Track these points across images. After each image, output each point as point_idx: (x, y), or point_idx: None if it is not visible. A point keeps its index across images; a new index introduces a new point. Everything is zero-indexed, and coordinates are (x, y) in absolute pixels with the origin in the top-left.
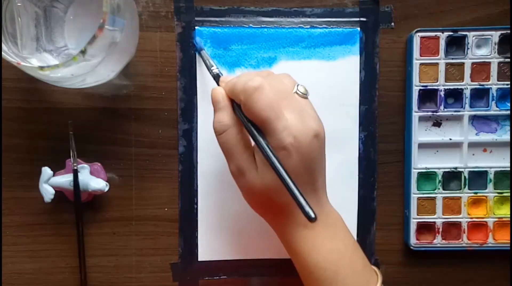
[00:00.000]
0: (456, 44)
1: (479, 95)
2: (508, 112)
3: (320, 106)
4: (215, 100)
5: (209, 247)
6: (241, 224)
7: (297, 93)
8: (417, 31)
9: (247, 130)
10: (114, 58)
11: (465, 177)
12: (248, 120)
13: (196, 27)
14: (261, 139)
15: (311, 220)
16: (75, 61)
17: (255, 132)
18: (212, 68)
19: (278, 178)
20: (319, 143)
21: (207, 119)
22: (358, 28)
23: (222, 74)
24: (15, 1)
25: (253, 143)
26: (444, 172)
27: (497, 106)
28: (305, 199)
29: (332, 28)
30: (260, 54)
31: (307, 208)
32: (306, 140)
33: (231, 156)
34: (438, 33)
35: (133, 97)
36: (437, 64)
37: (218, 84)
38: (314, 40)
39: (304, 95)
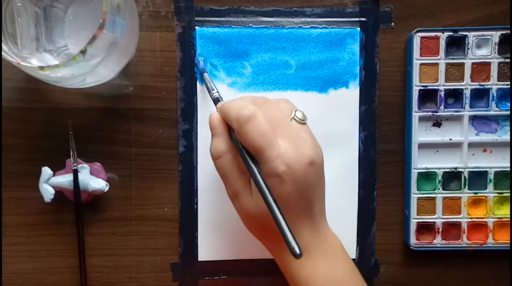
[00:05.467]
0: (456, 44)
1: (479, 95)
2: (508, 112)
3: (320, 106)
4: (212, 126)
5: (209, 247)
6: (241, 224)
7: (294, 119)
8: (417, 31)
9: (240, 155)
10: (114, 58)
11: (465, 177)
12: (242, 147)
13: (196, 27)
14: (252, 166)
15: (296, 256)
16: (75, 61)
17: (247, 159)
18: (212, 92)
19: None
20: (314, 170)
21: (207, 119)
22: (358, 28)
23: (222, 99)
24: (15, 1)
25: None
26: (444, 172)
27: (497, 106)
28: (291, 233)
29: (332, 28)
30: (260, 54)
31: (293, 244)
32: (300, 168)
33: (227, 180)
34: (438, 33)
35: (133, 97)
36: (437, 64)
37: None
38: (314, 40)
39: (302, 121)
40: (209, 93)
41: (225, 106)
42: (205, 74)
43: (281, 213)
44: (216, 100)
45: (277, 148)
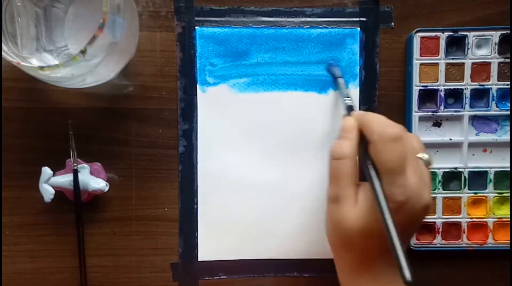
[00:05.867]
0: (456, 44)
1: (479, 95)
2: (508, 112)
3: (320, 106)
4: (345, 128)
5: (209, 247)
6: (241, 224)
7: (421, 158)
8: (417, 31)
9: (363, 167)
10: (114, 58)
11: (465, 177)
12: (370, 160)
13: (196, 27)
14: (377, 182)
15: (407, 283)
16: (75, 61)
17: (373, 173)
18: (346, 99)
19: (375, 222)
20: (424, 214)
21: (207, 119)
22: (358, 28)
23: (354, 108)
24: (15, 1)
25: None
26: (444, 172)
27: (497, 106)
28: (406, 258)
29: (332, 28)
30: (260, 54)
31: (405, 270)
32: (415, 207)
33: (337, 182)
34: (438, 33)
35: (133, 97)
36: (437, 64)
37: (349, 114)
38: (314, 40)
39: (428, 164)
40: (342, 100)
41: (369, 117)
42: (341, 80)
43: (398, 236)
44: (349, 108)
45: (404, 178)
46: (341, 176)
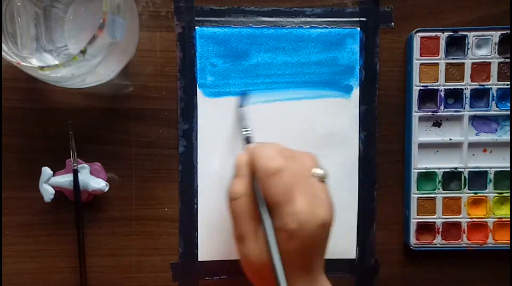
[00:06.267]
0: (456, 44)
1: (479, 95)
2: (508, 112)
3: (321, 106)
4: (237, 166)
5: (209, 247)
6: None
7: (314, 175)
8: (417, 31)
9: (256, 203)
10: (114, 58)
11: (465, 177)
12: (260, 197)
13: (196, 27)
14: (266, 218)
15: None
16: (75, 61)
17: (263, 209)
18: (243, 130)
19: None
20: (324, 231)
21: (207, 119)
22: (358, 28)
23: (252, 140)
24: (15, 1)
25: None
26: (444, 172)
27: (497, 106)
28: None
29: (332, 28)
30: (260, 54)
31: None
32: (310, 228)
33: (237, 222)
34: (438, 33)
35: (133, 97)
36: (437, 64)
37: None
38: (314, 40)
39: (322, 179)
40: (240, 131)
41: (255, 153)
42: (242, 109)
43: (282, 268)
44: (246, 140)
45: (293, 205)
46: (240, 216)
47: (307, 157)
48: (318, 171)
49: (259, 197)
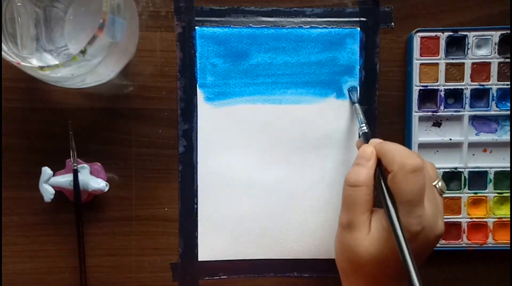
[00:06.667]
0: (456, 44)
1: (479, 95)
2: (508, 112)
3: (321, 106)
4: (363, 156)
5: (209, 247)
6: (241, 224)
7: (436, 187)
8: (417, 31)
9: (381, 196)
10: (114, 58)
11: (465, 177)
12: (387, 190)
13: (196, 27)
14: (394, 212)
15: None
16: (75, 61)
17: (390, 204)
18: (362, 126)
19: (388, 250)
20: (437, 242)
21: (207, 119)
22: (358, 28)
23: (371, 135)
24: (15, 1)
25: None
26: (444, 172)
27: (497, 106)
28: (419, 280)
29: (332, 28)
30: (260, 54)
31: None
32: (430, 236)
33: (350, 210)
34: (438, 33)
35: (133, 97)
36: (437, 64)
37: (366, 142)
38: (314, 40)
39: (442, 192)
40: (359, 126)
41: (389, 147)
42: (356, 105)
43: (413, 264)
44: (366, 134)
45: (422, 208)
46: (356, 204)
47: (431, 166)
48: (441, 184)
49: (387, 191)
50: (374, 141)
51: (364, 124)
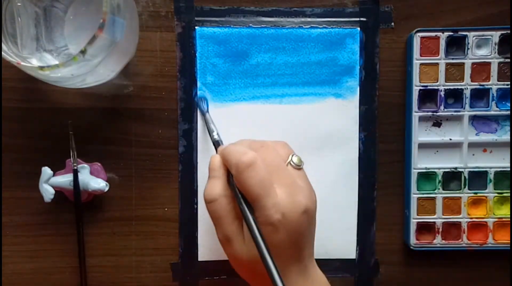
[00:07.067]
0: (456, 44)
1: (479, 95)
2: (508, 112)
3: (321, 106)
4: (211, 167)
5: (209, 247)
6: None
7: (290, 164)
8: (417, 31)
9: (237, 202)
10: (114, 58)
11: (465, 177)
12: (239, 193)
13: (196, 27)
14: (248, 214)
15: None
16: (75, 61)
17: (244, 206)
18: (213, 134)
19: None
20: (308, 217)
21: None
22: (358, 28)
23: (222, 142)
24: (15, 1)
25: None
26: (444, 172)
27: (497, 106)
28: (281, 281)
29: (332, 28)
30: (260, 54)
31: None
32: (294, 216)
33: (220, 225)
34: (438, 33)
35: (133, 97)
36: (437, 64)
37: (216, 151)
38: (314, 40)
39: (298, 166)
40: (210, 135)
41: (225, 151)
42: (207, 115)
43: (273, 262)
44: (215, 143)
45: (273, 196)
46: (221, 217)
47: (280, 146)
48: (294, 159)
49: (237, 195)
50: (220, 148)
51: (214, 133)
